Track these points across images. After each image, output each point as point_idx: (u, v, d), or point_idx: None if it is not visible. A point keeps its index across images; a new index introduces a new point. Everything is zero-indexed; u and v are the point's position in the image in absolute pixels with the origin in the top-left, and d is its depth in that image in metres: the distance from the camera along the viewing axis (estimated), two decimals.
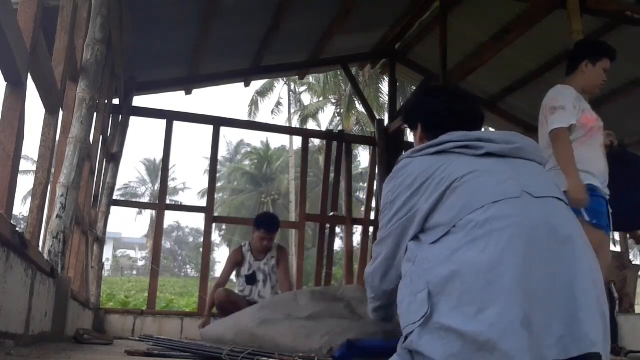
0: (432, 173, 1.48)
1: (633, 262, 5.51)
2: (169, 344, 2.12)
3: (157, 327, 5.27)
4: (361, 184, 26.34)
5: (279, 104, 27.68)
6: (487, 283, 1.27)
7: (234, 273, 4.51)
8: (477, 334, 1.23)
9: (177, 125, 6.11)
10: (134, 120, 6.50)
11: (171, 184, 37.83)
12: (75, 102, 2.97)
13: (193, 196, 48.75)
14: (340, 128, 19.98)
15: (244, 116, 28.29)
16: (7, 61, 1.68)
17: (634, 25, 4.65)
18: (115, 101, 5.58)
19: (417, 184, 1.49)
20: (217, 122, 6.29)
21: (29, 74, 1.91)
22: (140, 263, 41.41)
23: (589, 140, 2.76)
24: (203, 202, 8.41)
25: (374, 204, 7.42)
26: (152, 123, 14.76)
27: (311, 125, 25.69)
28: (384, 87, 16.63)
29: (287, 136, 29.41)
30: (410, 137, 3.71)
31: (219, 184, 32.30)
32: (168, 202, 9.03)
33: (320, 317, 2.37)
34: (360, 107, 19.88)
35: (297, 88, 27.07)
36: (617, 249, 6.35)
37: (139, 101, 6.06)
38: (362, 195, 24.48)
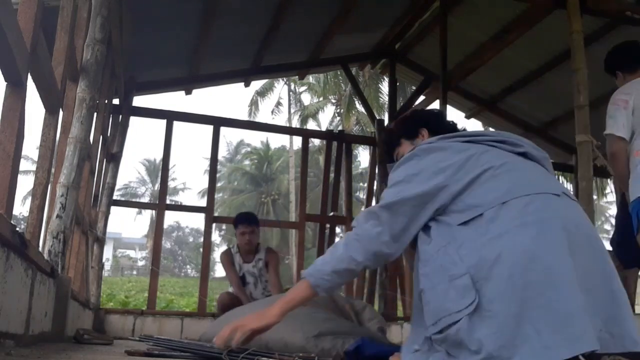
0: (466, 154, 1.45)
1: None
2: (168, 344, 2.12)
3: (157, 327, 5.27)
4: (361, 184, 26.34)
5: (279, 104, 27.72)
6: (547, 269, 1.23)
7: (224, 274, 4.53)
8: (539, 317, 1.19)
9: (177, 125, 6.12)
10: (134, 120, 6.51)
11: (171, 184, 37.85)
12: (75, 102, 2.97)
13: (193, 196, 48.83)
14: (340, 128, 19.99)
15: (244, 116, 28.31)
16: (7, 61, 1.68)
17: (634, 25, 4.64)
18: (115, 101, 5.57)
19: (447, 161, 1.44)
20: (217, 122, 6.29)
21: (29, 74, 1.91)
22: (140, 263, 41.41)
23: None
24: (203, 202, 8.41)
25: (374, 204, 7.41)
26: (152, 123, 14.77)
27: (311, 125, 25.74)
28: (384, 87, 16.63)
29: (287, 136, 29.49)
30: None
31: (219, 184, 32.30)
32: (168, 202, 9.04)
33: (325, 317, 2.38)
34: (360, 107, 19.88)
35: (297, 88, 27.11)
36: None
37: (139, 101, 6.07)
38: (362, 195, 24.48)
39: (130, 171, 72.94)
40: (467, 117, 7.38)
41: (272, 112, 27.33)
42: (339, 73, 18.23)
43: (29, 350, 1.71)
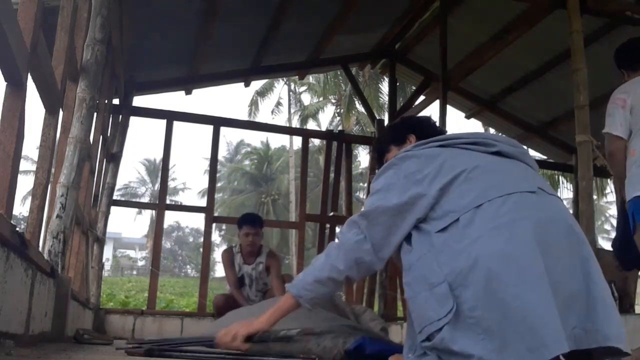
0: (439, 161, 1.46)
1: None
2: (170, 346, 2.11)
3: (157, 327, 5.27)
4: (361, 184, 26.33)
5: (279, 104, 27.71)
6: (520, 270, 1.23)
7: (224, 274, 4.51)
8: (518, 321, 1.20)
9: (177, 125, 6.12)
10: (134, 120, 6.51)
11: (171, 184, 37.84)
12: (75, 102, 2.97)
13: (193, 196, 48.80)
14: (340, 128, 19.98)
15: (244, 116, 28.30)
16: (7, 61, 1.68)
17: (634, 25, 4.64)
18: (115, 101, 5.58)
19: (423, 171, 1.46)
20: (217, 122, 6.29)
21: (29, 74, 1.91)
22: (140, 263, 41.40)
23: None
24: (203, 202, 8.41)
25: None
26: (152, 123, 14.76)
27: (311, 125, 25.73)
28: (384, 87, 16.62)
29: (287, 136, 29.47)
30: None
31: (219, 184, 32.31)
32: (168, 202, 9.04)
33: (326, 316, 2.38)
34: (360, 107, 19.88)
35: (297, 88, 27.09)
36: None
37: (139, 101, 6.07)
38: (362, 195, 24.47)
39: (130, 171, 72.91)
40: (467, 117, 7.38)
41: (272, 112, 27.35)
42: (339, 73, 18.23)
43: (29, 350, 1.71)
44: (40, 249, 2.52)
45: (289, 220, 22.46)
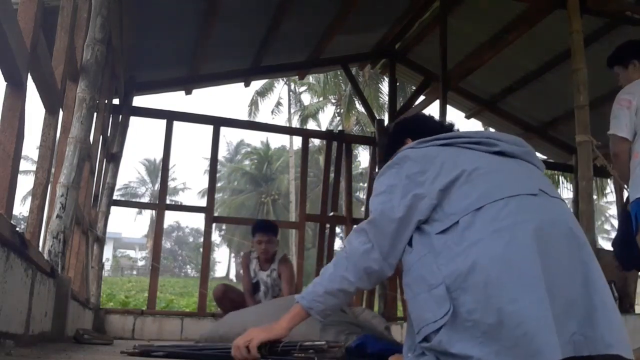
0: (440, 160, 1.44)
1: None
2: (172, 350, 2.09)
3: (157, 327, 5.27)
4: (361, 184, 26.34)
5: (279, 104, 27.72)
6: (519, 275, 1.23)
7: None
8: (514, 326, 1.19)
9: (177, 125, 6.12)
10: (134, 120, 6.51)
11: (171, 184, 37.86)
12: (75, 102, 2.97)
13: (193, 196, 48.85)
14: (340, 128, 19.98)
15: (244, 116, 28.32)
16: (7, 61, 1.68)
17: (634, 25, 4.65)
18: (115, 101, 5.58)
19: (424, 172, 1.44)
20: (217, 122, 6.29)
21: (29, 74, 1.91)
22: (140, 263, 41.41)
23: None
24: (203, 202, 8.41)
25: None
26: (152, 123, 14.77)
27: (311, 125, 25.73)
28: (384, 87, 16.62)
29: (287, 136, 29.49)
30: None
31: (219, 184, 32.32)
32: (168, 202, 9.04)
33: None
34: (360, 107, 19.87)
35: (297, 88, 27.10)
36: None
37: (139, 101, 6.08)
38: (362, 195, 24.49)
39: (130, 171, 73.01)
40: (467, 117, 7.38)
41: (272, 112, 27.35)
42: (339, 73, 18.23)
43: (29, 350, 1.71)
44: (40, 249, 2.53)
45: (289, 220, 22.47)
